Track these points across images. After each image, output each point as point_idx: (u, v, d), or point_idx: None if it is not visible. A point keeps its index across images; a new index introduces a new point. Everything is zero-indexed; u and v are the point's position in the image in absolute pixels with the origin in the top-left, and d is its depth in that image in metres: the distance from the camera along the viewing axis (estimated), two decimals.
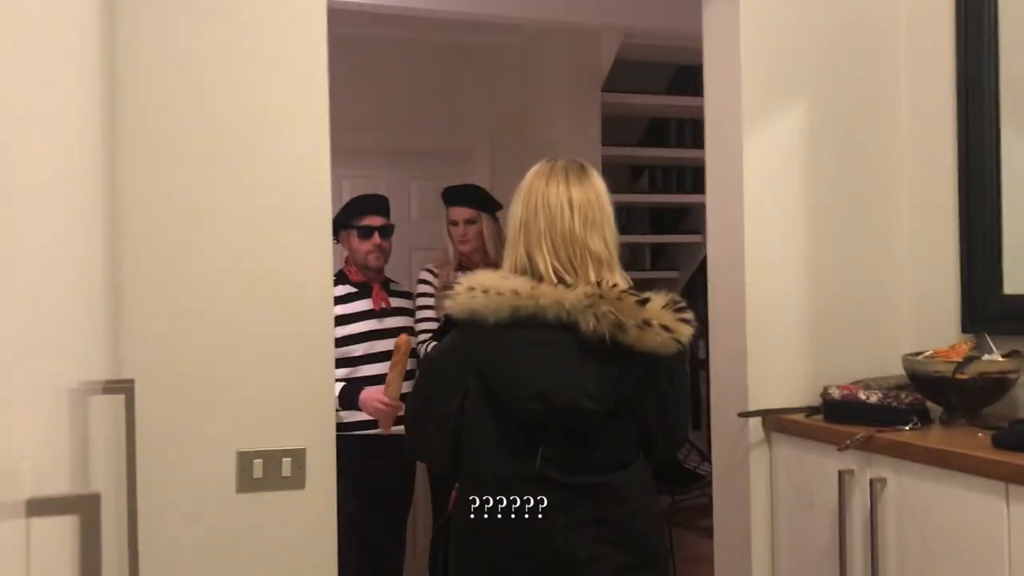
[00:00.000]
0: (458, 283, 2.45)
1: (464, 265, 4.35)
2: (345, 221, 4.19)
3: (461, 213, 4.38)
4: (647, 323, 2.35)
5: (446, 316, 2.48)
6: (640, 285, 2.49)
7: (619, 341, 2.35)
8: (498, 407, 2.43)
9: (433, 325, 4.28)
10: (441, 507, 4.23)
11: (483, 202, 4.41)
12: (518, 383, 2.37)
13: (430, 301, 4.31)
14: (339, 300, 4.11)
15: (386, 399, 3.91)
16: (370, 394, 3.97)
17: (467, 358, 2.43)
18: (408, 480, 4.26)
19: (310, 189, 2.74)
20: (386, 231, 4.20)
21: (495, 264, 4.19)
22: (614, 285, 2.41)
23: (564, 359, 2.37)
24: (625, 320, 2.35)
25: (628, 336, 2.35)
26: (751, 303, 3.34)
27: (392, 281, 4.34)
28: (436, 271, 4.39)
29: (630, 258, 6.44)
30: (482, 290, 2.38)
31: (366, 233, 4.15)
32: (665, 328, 2.36)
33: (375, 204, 4.22)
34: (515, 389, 2.38)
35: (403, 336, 3.92)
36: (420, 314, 4.30)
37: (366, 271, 4.18)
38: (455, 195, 4.43)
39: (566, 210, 2.47)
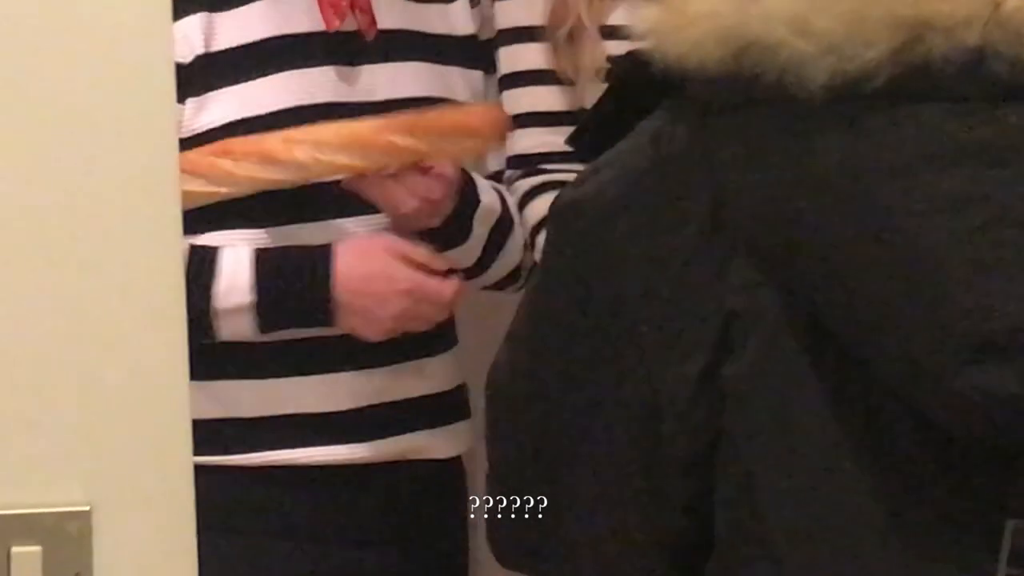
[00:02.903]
0: None
1: None
2: None
3: None
4: None
5: (629, 61, 0.80)
6: None
7: None
8: (850, 381, 0.76)
9: (555, 100, 1.57)
10: None
11: None
12: (935, 299, 0.70)
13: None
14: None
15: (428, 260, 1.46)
16: (371, 255, 1.49)
17: (730, 208, 0.76)
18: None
19: None
20: None
21: None
22: None
23: None
24: None
25: None
26: None
27: None
28: None
29: None
30: None
31: None
32: None
33: None
34: (923, 322, 0.71)
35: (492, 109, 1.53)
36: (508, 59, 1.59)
37: None
38: None
39: None
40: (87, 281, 1.03)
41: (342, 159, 1.40)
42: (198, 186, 1.42)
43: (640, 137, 0.76)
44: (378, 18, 1.52)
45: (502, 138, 1.46)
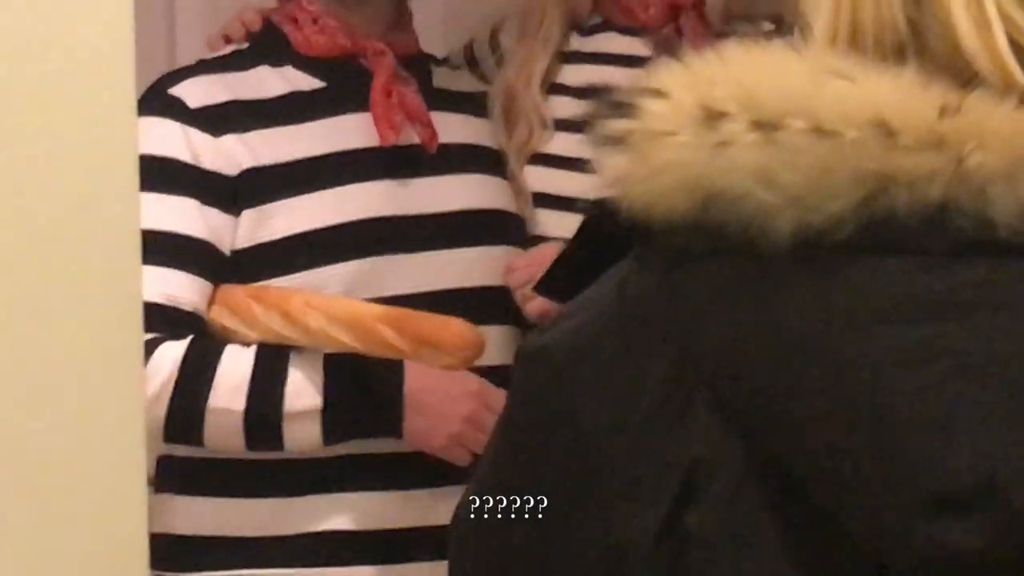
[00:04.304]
0: (648, 88, 0.71)
1: (645, 21, 1.65)
2: None
3: None
4: None
5: (598, 208, 0.75)
6: None
7: None
8: (815, 532, 0.72)
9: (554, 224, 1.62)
10: None
11: None
12: (895, 454, 0.68)
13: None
14: (272, 116, 1.54)
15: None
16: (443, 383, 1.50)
17: (693, 358, 0.73)
18: None
19: None
20: None
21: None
22: None
23: None
24: None
25: None
26: None
27: (434, 57, 1.70)
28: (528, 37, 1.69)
29: None
30: (751, 120, 0.68)
31: None
32: None
33: None
34: (883, 476, 0.68)
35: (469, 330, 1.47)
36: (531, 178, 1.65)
37: (371, 8, 1.56)
38: None
39: None
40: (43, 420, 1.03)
41: (344, 337, 1.44)
42: (234, 324, 1.48)
43: (607, 284, 0.76)
44: (439, 130, 1.55)
45: (473, 359, 1.47)
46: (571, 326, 0.78)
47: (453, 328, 1.46)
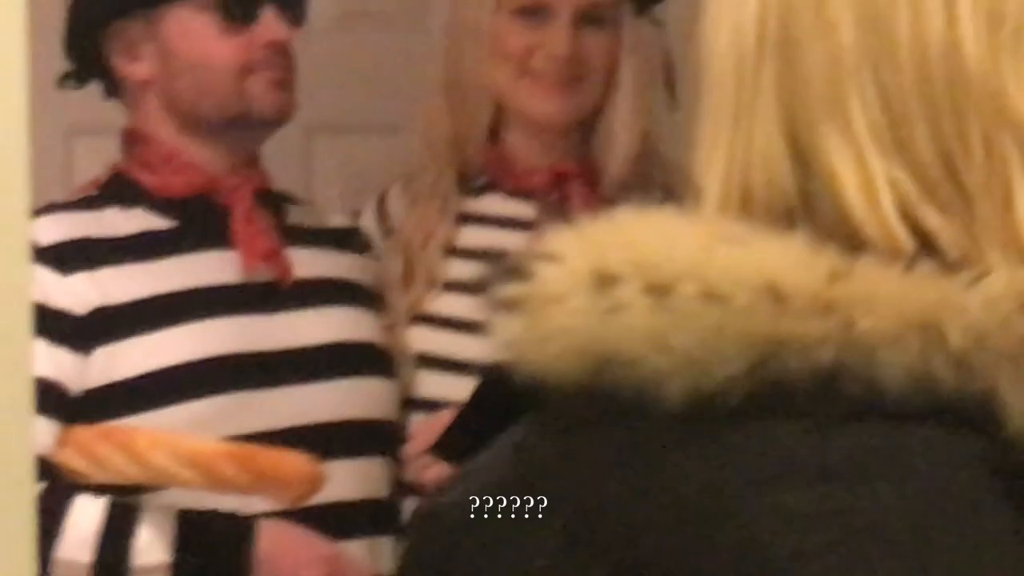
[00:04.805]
0: (538, 251, 0.69)
1: (531, 187, 1.70)
2: None
3: None
4: None
5: (490, 372, 0.76)
6: None
7: None
8: None
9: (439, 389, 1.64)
10: None
11: None
12: None
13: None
14: (122, 255, 1.53)
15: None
16: (293, 527, 1.49)
17: (588, 526, 0.69)
18: None
19: None
20: (295, 6, 1.60)
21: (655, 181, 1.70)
22: None
23: (942, 532, 0.66)
24: None
25: None
26: None
27: (290, 198, 1.70)
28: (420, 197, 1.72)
29: None
30: (643, 284, 0.66)
31: (241, 10, 1.55)
32: None
33: None
34: None
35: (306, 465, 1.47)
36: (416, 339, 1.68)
37: (225, 145, 1.57)
38: None
39: None
40: None
41: (187, 474, 1.43)
42: (82, 466, 1.45)
43: (503, 447, 0.74)
44: (294, 265, 1.57)
45: (311, 494, 1.47)
46: (463, 489, 0.76)
47: (291, 463, 1.47)
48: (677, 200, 0.79)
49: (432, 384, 1.63)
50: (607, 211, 0.73)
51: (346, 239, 1.68)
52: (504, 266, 0.71)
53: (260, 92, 1.54)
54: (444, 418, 1.52)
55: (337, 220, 1.74)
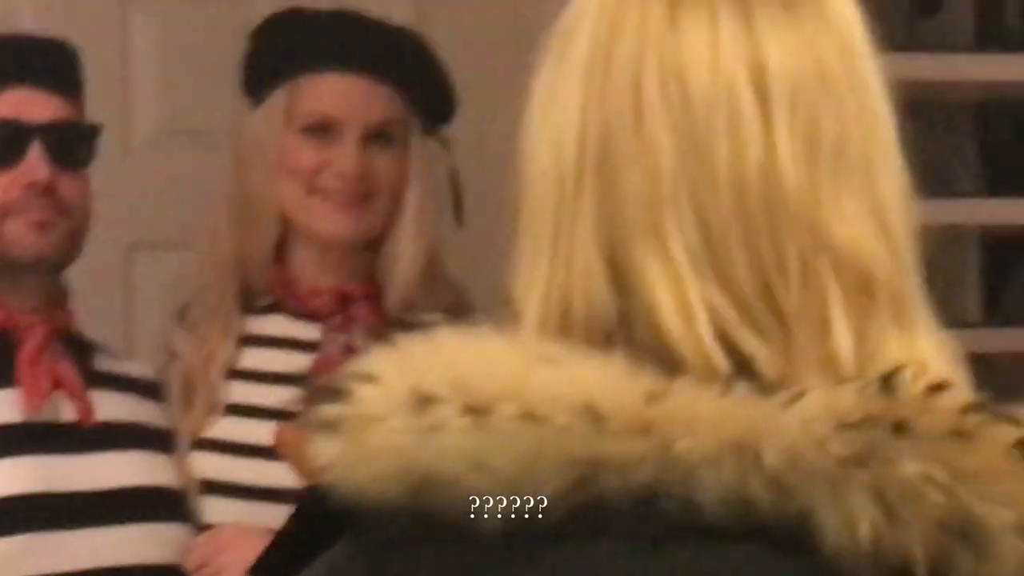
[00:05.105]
0: (348, 375, 0.69)
1: (315, 308, 1.65)
2: None
3: (341, 91, 1.66)
4: None
5: (308, 495, 0.78)
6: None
7: None
8: None
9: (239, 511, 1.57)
10: None
11: (413, 71, 1.69)
12: None
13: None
14: None
15: None
16: None
17: None
18: None
19: None
20: (70, 146, 1.54)
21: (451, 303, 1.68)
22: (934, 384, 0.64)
23: None
24: (980, 512, 0.61)
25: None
26: None
27: (90, 343, 1.63)
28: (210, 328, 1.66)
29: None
30: (462, 404, 0.67)
31: (4, 151, 1.50)
32: None
33: (25, 57, 1.57)
34: None
35: None
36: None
37: (8, 284, 1.53)
38: (313, 39, 1.70)
39: (747, 110, 0.66)
40: None
41: None
42: None
43: (318, 569, 0.73)
44: (98, 409, 1.54)
45: None
46: None
47: None
48: (461, 321, 0.79)
49: (215, 510, 1.59)
50: (391, 333, 0.74)
51: (151, 388, 1.65)
52: (322, 388, 0.69)
53: (17, 235, 1.51)
54: (219, 534, 1.52)
55: (142, 370, 1.70)
